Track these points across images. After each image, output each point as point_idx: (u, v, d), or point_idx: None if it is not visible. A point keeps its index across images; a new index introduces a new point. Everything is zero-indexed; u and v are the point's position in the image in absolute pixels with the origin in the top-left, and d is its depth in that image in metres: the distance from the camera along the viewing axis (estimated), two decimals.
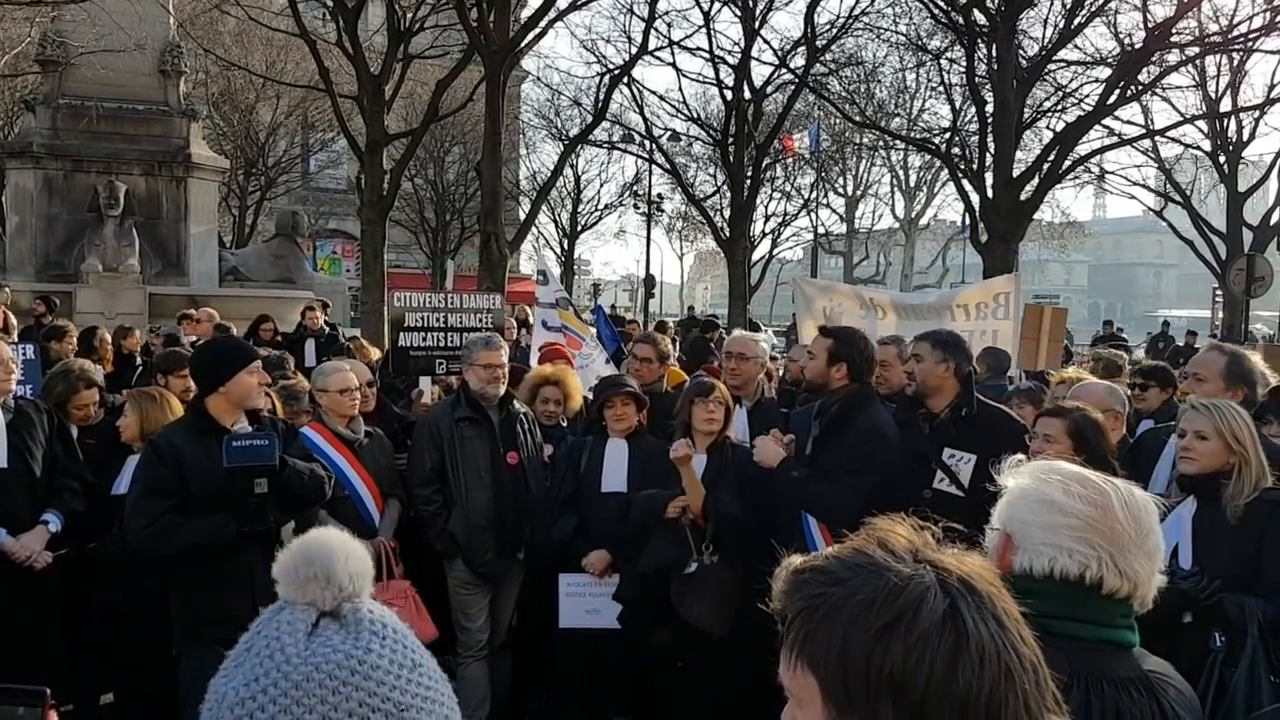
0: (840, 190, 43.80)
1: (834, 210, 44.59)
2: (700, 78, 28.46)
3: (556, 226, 41.61)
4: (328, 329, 12.15)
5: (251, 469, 3.84)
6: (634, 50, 22.91)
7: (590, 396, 6.56)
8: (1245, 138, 26.00)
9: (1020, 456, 2.01)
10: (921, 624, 1.15)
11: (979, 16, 18.38)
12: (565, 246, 41.49)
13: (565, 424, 5.98)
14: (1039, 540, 1.79)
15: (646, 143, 30.27)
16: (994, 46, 18.07)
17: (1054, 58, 19.94)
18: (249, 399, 4.25)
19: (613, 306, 36.66)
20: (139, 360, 9.51)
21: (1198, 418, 3.52)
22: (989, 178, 18.54)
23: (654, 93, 38.63)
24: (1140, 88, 20.13)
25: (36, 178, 16.12)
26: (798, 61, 23.71)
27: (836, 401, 4.50)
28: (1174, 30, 18.42)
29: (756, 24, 23.27)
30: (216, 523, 3.97)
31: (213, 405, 4.19)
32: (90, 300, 14.55)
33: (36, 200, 16.11)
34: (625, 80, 24.77)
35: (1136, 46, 19.10)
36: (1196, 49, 20.36)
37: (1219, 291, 26.06)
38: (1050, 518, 1.78)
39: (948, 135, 24.51)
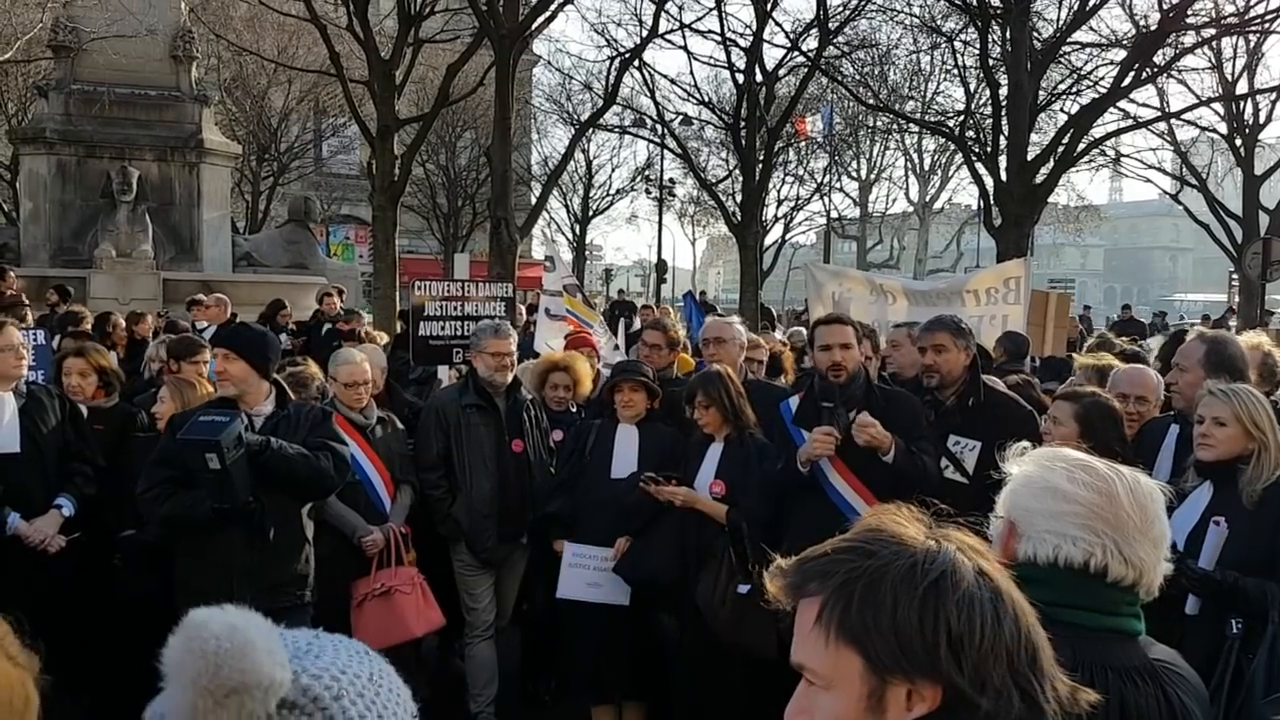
0: (853, 174, 43.54)
1: (847, 194, 44.36)
2: (712, 61, 28.41)
3: (568, 212, 41.50)
4: (344, 315, 12.17)
5: (199, 443, 3.85)
6: (645, 33, 22.78)
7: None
8: (1262, 120, 25.72)
9: (1026, 444, 1.99)
10: (965, 581, 1.23)
11: None
12: (577, 232, 41.40)
13: (575, 410, 5.99)
14: (1043, 528, 1.78)
15: (658, 127, 30.12)
16: (1008, 28, 17.91)
17: (1069, 40, 19.74)
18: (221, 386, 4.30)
19: (620, 292, 36.58)
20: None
21: (1216, 404, 3.49)
22: (1003, 161, 18.39)
23: (665, 76, 38.30)
24: (1156, 70, 19.91)
25: (50, 163, 16.17)
26: (810, 44, 23.53)
27: (859, 382, 4.40)
28: (1190, 11, 18.22)
29: (768, 6, 23.07)
30: (196, 498, 4.04)
31: None
32: (104, 286, 14.62)
33: (50, 186, 16.17)
34: (636, 64, 24.65)
35: (1152, 28, 18.91)
36: (1213, 30, 20.13)
37: (1235, 275, 25.86)
38: (1055, 505, 1.77)
39: (962, 118, 24.30)
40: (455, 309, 7.20)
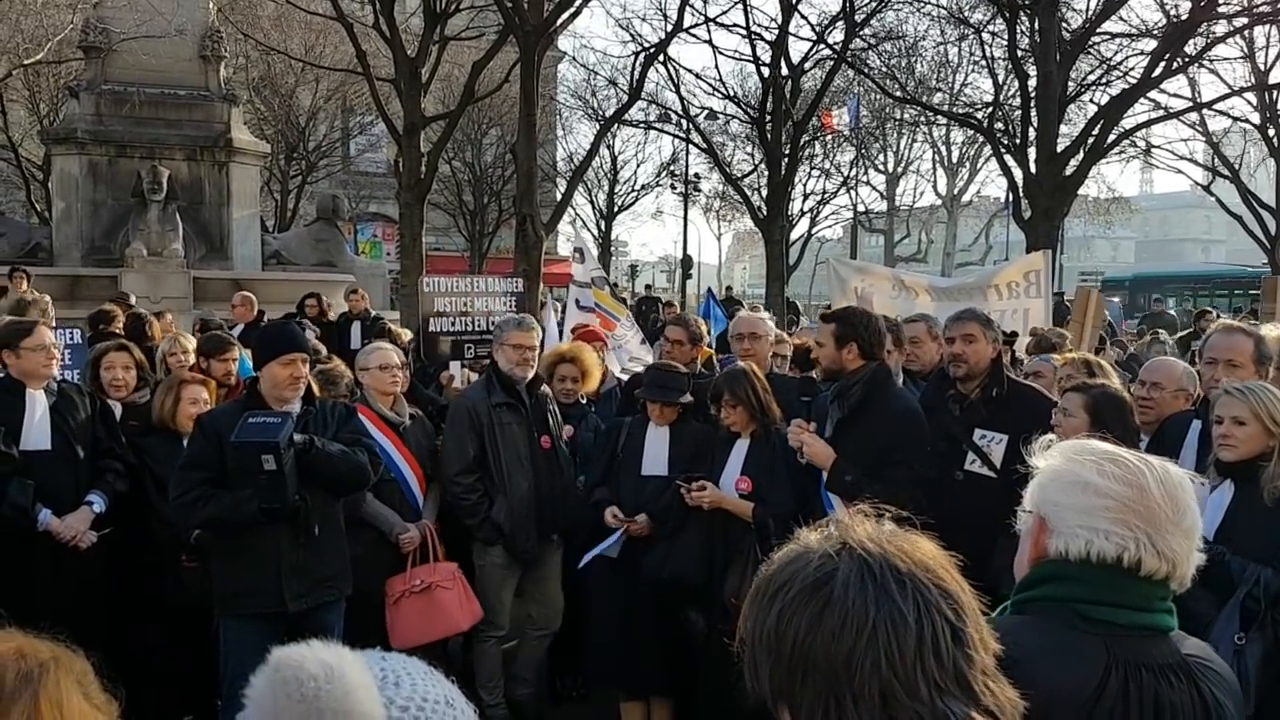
0: (881, 167, 43.32)
1: (874, 188, 44.16)
2: (737, 55, 28.34)
3: (593, 208, 41.57)
4: (371, 313, 12.22)
5: (256, 445, 3.88)
6: (669, 28, 22.74)
7: (623, 378, 6.54)
8: None
9: (1051, 437, 1.97)
10: (794, 588, 1.25)
11: None
12: (602, 227, 41.41)
13: (584, 401, 5.97)
14: (1074, 523, 1.74)
15: (683, 122, 30.06)
16: (1036, 19, 17.76)
17: (1098, 30, 19.56)
18: (277, 389, 4.28)
19: (647, 287, 36.52)
20: None
21: (1234, 403, 3.43)
22: (1032, 153, 18.25)
23: (690, 71, 37.85)
24: (1187, 60, 19.65)
25: (81, 163, 16.33)
26: (836, 37, 23.41)
27: (855, 384, 4.34)
28: (1221, 0, 17.99)
29: None
30: (241, 499, 4.07)
31: (261, 385, 4.33)
32: (135, 284, 14.73)
33: (81, 186, 16.33)
34: (661, 59, 24.61)
35: (1183, 18, 18.67)
36: (1245, 19, 19.87)
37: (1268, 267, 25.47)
38: (1085, 499, 1.73)
39: (990, 110, 24.09)
40: (465, 304, 7.22)
